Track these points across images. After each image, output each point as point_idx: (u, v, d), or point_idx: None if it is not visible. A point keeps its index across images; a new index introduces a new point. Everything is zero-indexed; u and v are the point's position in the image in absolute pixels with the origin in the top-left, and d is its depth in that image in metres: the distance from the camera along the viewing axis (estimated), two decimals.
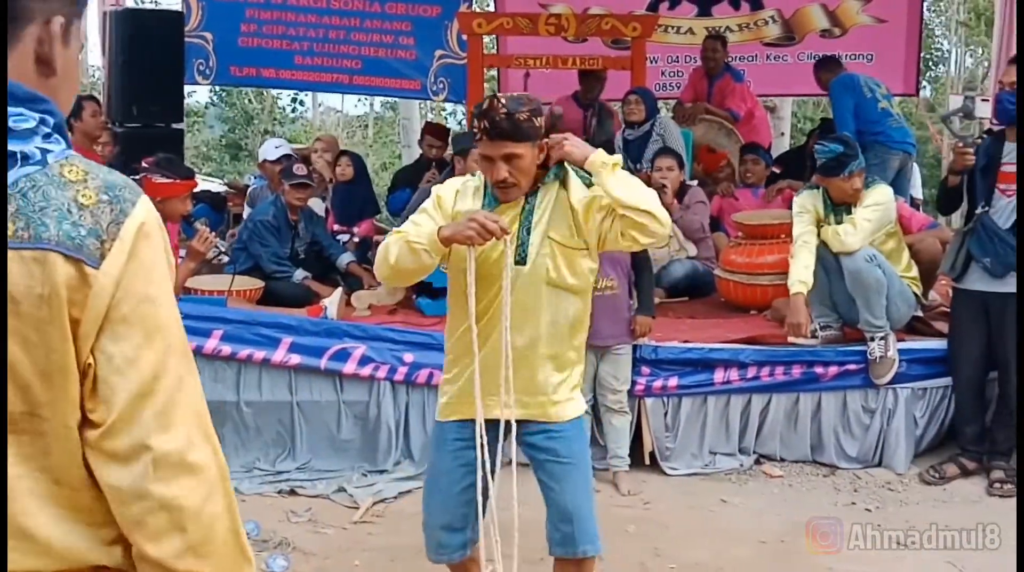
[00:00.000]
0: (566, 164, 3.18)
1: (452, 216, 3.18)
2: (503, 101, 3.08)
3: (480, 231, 2.92)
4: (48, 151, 1.30)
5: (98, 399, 1.33)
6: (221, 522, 1.41)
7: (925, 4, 11.65)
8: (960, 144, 5.26)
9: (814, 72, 8.45)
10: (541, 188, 3.16)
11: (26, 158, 1.28)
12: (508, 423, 3.17)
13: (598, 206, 3.08)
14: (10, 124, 1.27)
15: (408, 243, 3.09)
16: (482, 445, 3.13)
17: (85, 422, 1.33)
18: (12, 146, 1.27)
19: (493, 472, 3.19)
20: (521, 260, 3.12)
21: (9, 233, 1.24)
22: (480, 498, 3.19)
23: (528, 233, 3.14)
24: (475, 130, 3.15)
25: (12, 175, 1.26)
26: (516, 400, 3.15)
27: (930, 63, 24.30)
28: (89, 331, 1.30)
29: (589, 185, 3.15)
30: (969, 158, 5.16)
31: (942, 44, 25.28)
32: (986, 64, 20.39)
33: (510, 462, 3.95)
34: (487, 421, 3.17)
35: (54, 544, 1.34)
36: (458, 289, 3.21)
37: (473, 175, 3.33)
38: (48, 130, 1.32)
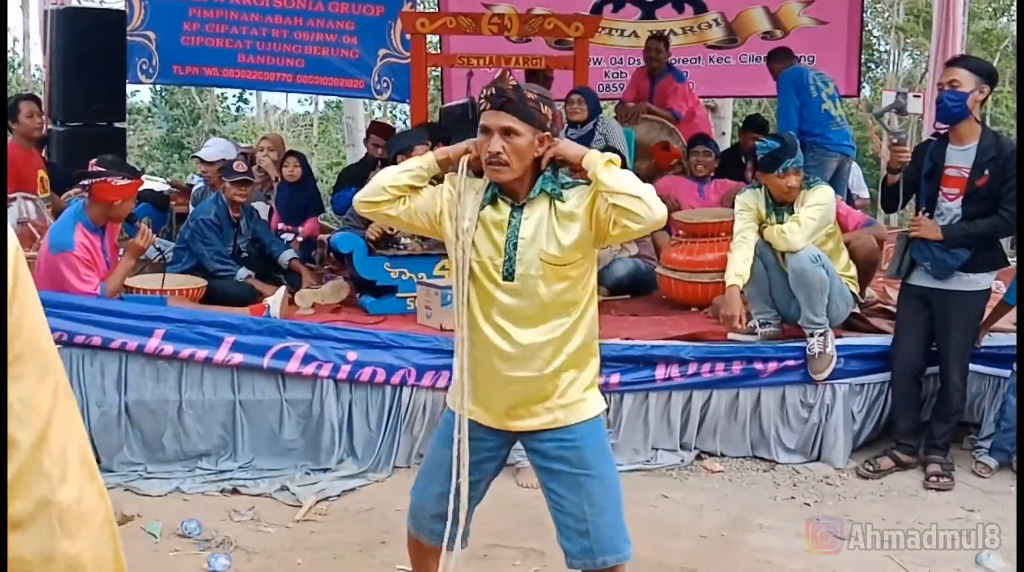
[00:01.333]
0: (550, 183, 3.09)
1: (438, 204, 3.15)
2: (516, 81, 3.08)
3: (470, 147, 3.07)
4: None
5: None
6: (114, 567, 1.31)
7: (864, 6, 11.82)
8: (894, 141, 5.30)
9: (767, 62, 8.48)
10: (527, 204, 3.06)
11: None
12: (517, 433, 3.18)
13: (599, 199, 2.98)
14: None
15: (405, 168, 3.15)
16: (460, 441, 3.09)
17: None
18: None
19: (478, 474, 3.19)
20: (508, 276, 3.06)
21: None
22: (460, 493, 3.13)
23: (515, 248, 3.05)
24: (481, 100, 3.07)
25: None
26: (526, 409, 3.10)
27: (870, 64, 24.62)
28: None
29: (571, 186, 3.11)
30: (904, 155, 5.20)
31: (881, 45, 25.62)
32: (924, 65, 20.69)
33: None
34: (493, 430, 3.18)
35: None
36: (460, 274, 3.16)
37: None
38: None
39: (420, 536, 3.37)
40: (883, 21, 25.05)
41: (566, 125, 7.91)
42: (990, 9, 24.72)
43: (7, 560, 1.11)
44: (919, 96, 5.07)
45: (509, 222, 3.06)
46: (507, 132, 3.01)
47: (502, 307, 3.08)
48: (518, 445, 3.30)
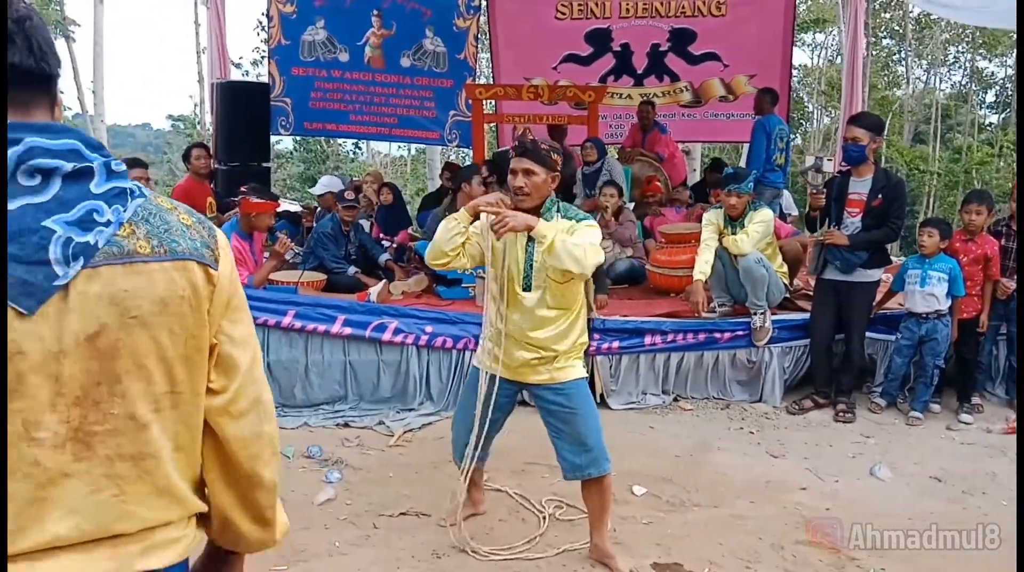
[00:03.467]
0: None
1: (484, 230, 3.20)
2: (534, 137, 3.13)
3: (496, 201, 3.06)
4: (138, 188, 1.21)
5: (221, 370, 1.28)
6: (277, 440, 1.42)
7: (794, 80, 11.62)
8: (814, 191, 5.23)
9: (761, 94, 8.06)
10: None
11: (133, 192, 1.19)
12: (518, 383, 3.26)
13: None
14: (112, 166, 1.16)
15: (445, 225, 3.16)
16: (488, 394, 3.21)
17: (208, 392, 1.28)
18: (123, 183, 1.17)
19: (499, 412, 3.30)
20: (527, 287, 3.12)
21: (145, 251, 1.16)
22: (481, 430, 3.26)
23: (531, 267, 3.10)
24: (510, 150, 3.16)
25: (131, 206, 1.17)
26: (531, 369, 3.18)
27: (800, 120, 24.29)
28: (216, 318, 1.26)
29: (574, 219, 3.09)
30: (821, 199, 5.16)
31: (808, 107, 25.25)
32: (837, 123, 20.39)
33: (522, 402, 3.94)
34: (510, 381, 3.25)
35: (184, 498, 1.27)
36: (495, 280, 3.22)
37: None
38: (122, 169, 1.21)
39: (455, 457, 3.48)
40: (810, 90, 24.70)
41: (582, 163, 7.86)
42: (884, 82, 24.33)
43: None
44: (831, 160, 5.07)
45: (525, 249, 3.12)
46: (527, 172, 3.03)
47: (523, 307, 3.15)
48: None
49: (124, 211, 1.16)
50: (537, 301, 3.12)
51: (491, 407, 3.22)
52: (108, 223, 1.14)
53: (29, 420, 1.10)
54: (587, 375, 3.35)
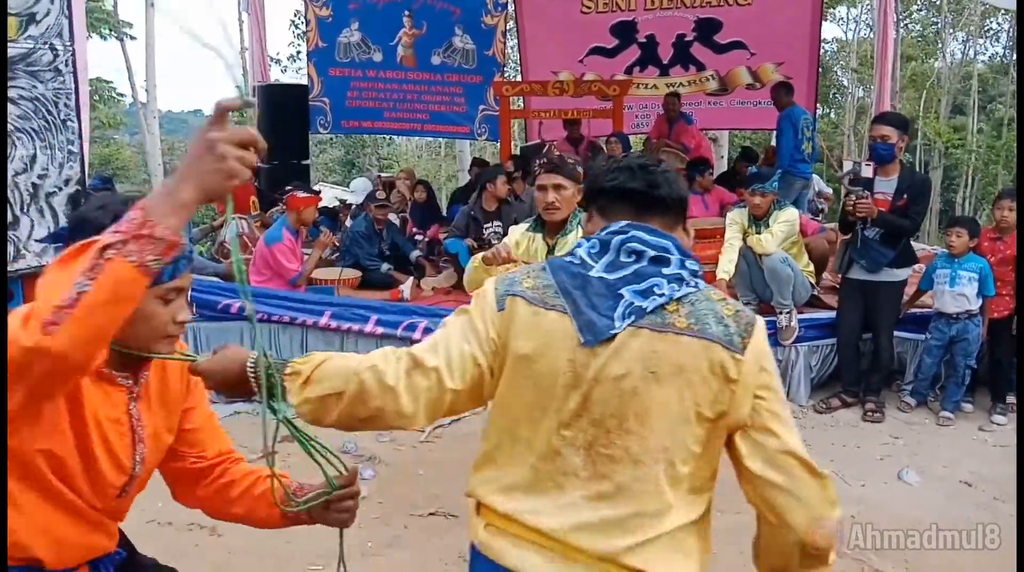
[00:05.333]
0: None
1: (515, 243, 3.22)
2: (559, 151, 3.08)
3: (495, 254, 3.05)
4: (697, 283, 1.43)
5: (766, 427, 1.42)
6: None
7: (828, 55, 11.34)
8: (853, 198, 4.81)
9: (776, 90, 7.84)
10: (558, 243, 3.06)
11: (688, 282, 1.41)
12: None
13: None
14: (686, 263, 1.43)
15: (470, 266, 3.21)
16: None
17: (768, 435, 1.42)
18: (685, 274, 1.42)
19: None
20: None
21: (681, 326, 1.38)
22: None
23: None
24: (537, 167, 3.08)
25: (683, 290, 1.40)
26: None
27: (834, 95, 23.75)
28: (745, 393, 1.40)
29: None
30: (865, 207, 4.75)
31: (842, 81, 24.67)
32: (871, 98, 19.86)
33: None
34: None
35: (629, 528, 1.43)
36: None
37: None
38: (695, 269, 1.45)
39: None
40: (844, 63, 24.08)
41: (608, 157, 7.73)
42: (922, 54, 23.60)
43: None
44: (869, 165, 4.82)
45: (547, 257, 3.06)
46: (558, 187, 3.00)
47: None
48: None
49: (677, 292, 1.40)
50: None
51: None
52: (661, 296, 1.39)
53: (563, 420, 1.40)
54: None
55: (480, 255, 3.18)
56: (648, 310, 1.38)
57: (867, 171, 4.80)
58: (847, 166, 5.31)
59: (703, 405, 1.38)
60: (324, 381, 1.43)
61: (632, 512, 1.38)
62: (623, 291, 1.39)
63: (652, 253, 1.42)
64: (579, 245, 1.48)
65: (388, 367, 1.44)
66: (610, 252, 1.43)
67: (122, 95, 21.40)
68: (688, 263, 1.43)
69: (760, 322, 1.45)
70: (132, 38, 19.11)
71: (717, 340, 1.38)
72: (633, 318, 1.37)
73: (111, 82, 21.31)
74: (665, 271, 1.41)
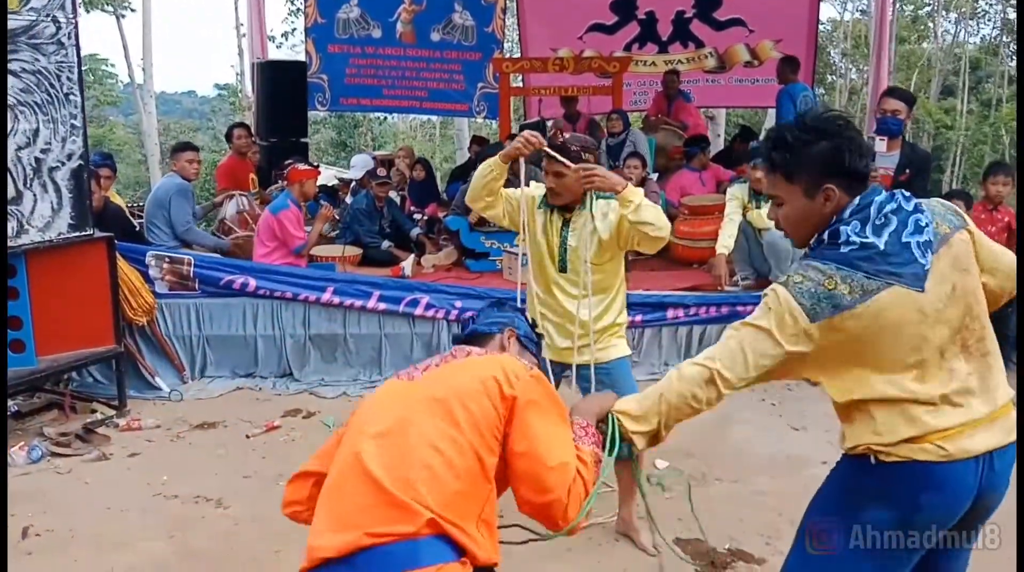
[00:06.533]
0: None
1: (532, 198, 3.13)
2: (565, 135, 2.95)
3: (524, 143, 2.94)
4: (916, 204, 1.76)
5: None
6: None
7: (821, 35, 11.30)
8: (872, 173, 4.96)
9: (782, 64, 7.82)
10: (573, 219, 3.01)
11: (919, 206, 1.75)
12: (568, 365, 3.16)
13: (626, 224, 2.90)
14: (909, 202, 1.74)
15: (481, 169, 3.09)
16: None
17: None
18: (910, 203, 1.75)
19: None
20: (563, 268, 3.06)
21: (946, 230, 1.74)
22: None
23: (565, 251, 3.03)
24: (542, 152, 2.96)
25: (926, 214, 1.74)
26: (575, 351, 3.09)
27: (827, 75, 23.66)
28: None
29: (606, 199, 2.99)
30: (882, 181, 4.88)
31: (835, 60, 24.58)
32: (865, 76, 19.78)
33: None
34: (555, 361, 3.16)
35: None
36: (533, 260, 3.14)
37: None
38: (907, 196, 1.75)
39: None
40: (837, 43, 24.02)
41: (607, 135, 7.73)
42: (914, 36, 23.51)
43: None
44: (883, 139, 4.83)
45: (560, 232, 3.04)
46: (558, 174, 2.95)
47: (560, 286, 3.06)
48: None
49: (926, 216, 1.71)
50: (574, 283, 3.06)
51: None
52: (927, 225, 1.70)
53: (944, 348, 1.70)
54: (630, 352, 3.28)
55: (502, 153, 3.02)
56: (932, 240, 1.69)
57: (880, 146, 4.83)
58: None
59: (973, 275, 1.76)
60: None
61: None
62: (907, 239, 1.68)
63: (896, 205, 1.72)
64: (843, 233, 1.71)
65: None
66: (873, 219, 1.70)
67: (114, 74, 21.17)
68: (899, 195, 1.75)
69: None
70: (132, 10, 18.90)
71: (958, 228, 1.75)
72: (929, 251, 1.68)
73: (108, 59, 21.04)
74: (907, 208, 1.71)
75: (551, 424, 1.71)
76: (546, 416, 1.71)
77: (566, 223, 3.03)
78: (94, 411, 4.84)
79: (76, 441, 4.37)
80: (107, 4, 17.98)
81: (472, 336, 2.06)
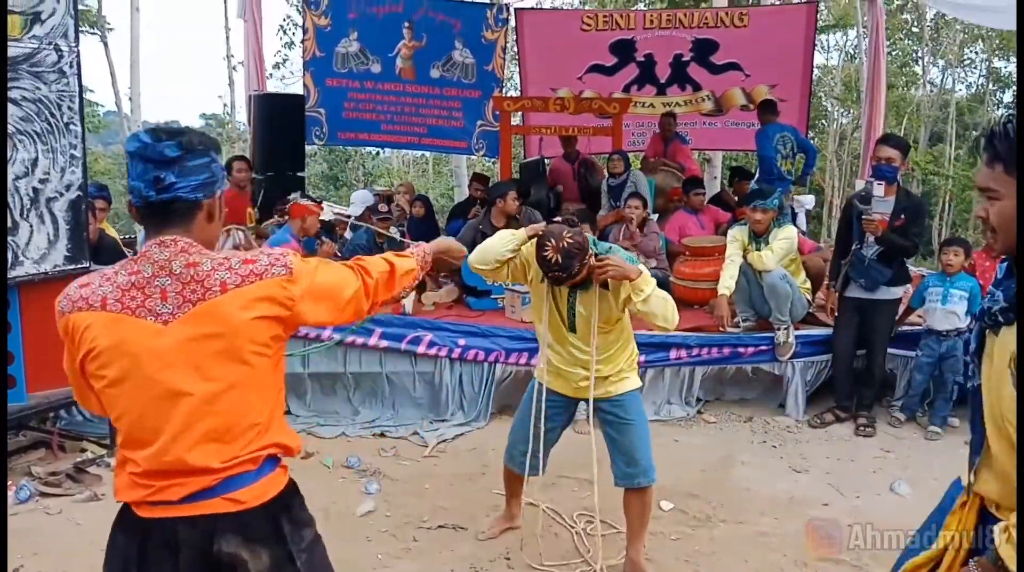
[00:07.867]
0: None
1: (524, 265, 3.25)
2: (559, 260, 2.90)
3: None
4: None
5: None
6: None
7: (812, 87, 11.54)
8: (869, 218, 5.03)
9: (762, 107, 8.19)
10: (581, 291, 3.12)
11: None
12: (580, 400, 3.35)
13: (632, 303, 3.04)
14: None
15: (501, 237, 3.21)
16: (539, 410, 3.30)
17: None
18: None
19: (556, 425, 3.41)
20: (572, 329, 3.21)
21: None
22: (539, 437, 3.34)
23: (574, 316, 3.17)
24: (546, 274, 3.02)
25: None
26: (588, 388, 3.20)
27: (817, 120, 24.03)
28: None
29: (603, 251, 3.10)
30: (874, 226, 5.00)
31: (826, 107, 25.00)
32: (855, 123, 20.13)
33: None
34: (569, 397, 3.36)
35: None
36: (537, 306, 3.31)
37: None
38: None
39: (512, 467, 3.55)
40: (827, 89, 24.47)
41: (607, 175, 7.85)
42: (902, 81, 24.00)
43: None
44: (880, 184, 4.99)
45: (568, 299, 3.18)
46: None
47: (571, 342, 3.24)
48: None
49: None
50: (584, 340, 3.19)
51: (543, 418, 3.31)
52: None
53: None
54: (641, 384, 3.44)
55: (530, 229, 3.18)
56: None
57: (878, 190, 4.99)
58: (859, 185, 5.51)
59: None
60: None
61: None
62: None
63: None
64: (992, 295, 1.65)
65: None
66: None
67: (93, 102, 21.08)
68: None
69: None
70: (111, 29, 18.84)
71: None
72: None
73: (86, 87, 20.90)
74: None
75: (326, 284, 1.87)
76: (317, 281, 1.85)
77: (573, 290, 3.14)
78: (84, 450, 4.74)
79: (67, 481, 4.28)
80: (91, 28, 17.95)
81: (169, 208, 1.70)
